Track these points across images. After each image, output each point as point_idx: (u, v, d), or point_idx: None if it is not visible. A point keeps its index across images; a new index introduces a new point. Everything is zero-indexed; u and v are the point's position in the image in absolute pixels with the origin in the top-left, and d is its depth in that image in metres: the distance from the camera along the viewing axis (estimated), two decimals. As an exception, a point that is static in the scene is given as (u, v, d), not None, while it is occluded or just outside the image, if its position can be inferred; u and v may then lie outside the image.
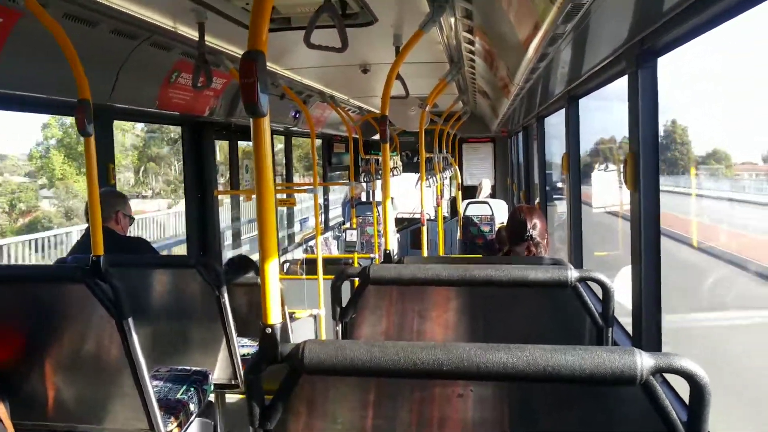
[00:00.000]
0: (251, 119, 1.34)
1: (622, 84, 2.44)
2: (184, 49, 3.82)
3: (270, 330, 1.35)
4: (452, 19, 3.38)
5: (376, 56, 4.49)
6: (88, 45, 3.00)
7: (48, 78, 3.03)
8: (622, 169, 2.36)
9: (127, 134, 22.66)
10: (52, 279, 2.49)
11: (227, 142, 6.37)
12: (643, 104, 2.23)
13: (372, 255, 6.49)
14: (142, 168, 24.68)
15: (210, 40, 3.65)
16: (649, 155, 2.22)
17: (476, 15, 3.20)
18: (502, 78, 4.46)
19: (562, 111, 3.85)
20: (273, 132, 7.06)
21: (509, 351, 1.18)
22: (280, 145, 8.33)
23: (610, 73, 2.73)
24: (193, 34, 3.46)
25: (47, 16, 2.29)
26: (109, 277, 2.37)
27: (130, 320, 2.35)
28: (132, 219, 3.73)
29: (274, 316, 1.36)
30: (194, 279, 3.05)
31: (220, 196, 5.89)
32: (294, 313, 4.65)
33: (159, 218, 17.01)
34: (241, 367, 3.23)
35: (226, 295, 3.07)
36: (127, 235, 3.73)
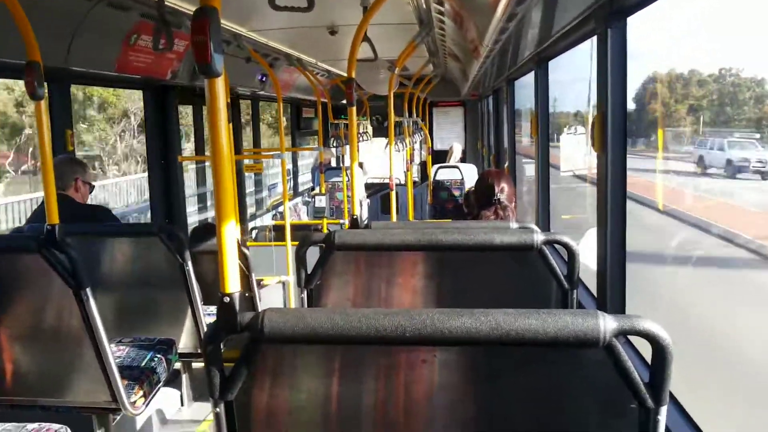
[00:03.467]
0: (205, 80, 1.27)
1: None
2: (144, 10, 3.68)
3: (228, 299, 1.32)
4: None
5: (345, 17, 4.39)
6: (40, 5, 2.86)
7: None
8: (590, 131, 2.35)
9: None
10: (5, 250, 2.41)
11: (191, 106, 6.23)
12: (613, 65, 2.20)
13: (341, 221, 6.46)
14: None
15: (171, 1, 3.52)
16: (618, 117, 2.20)
17: (445, -26, 3.13)
18: (472, 40, 4.40)
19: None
20: (239, 96, 6.92)
21: (472, 316, 1.17)
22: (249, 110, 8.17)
23: (579, 33, 2.70)
24: None
25: None
26: (65, 246, 2.30)
27: (89, 290, 2.29)
28: (92, 186, 3.62)
29: (232, 284, 1.33)
30: (157, 247, 2.99)
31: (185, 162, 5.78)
32: (262, 280, 4.61)
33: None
34: None
35: (190, 263, 3.01)
36: (88, 203, 3.63)
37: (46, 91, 2.37)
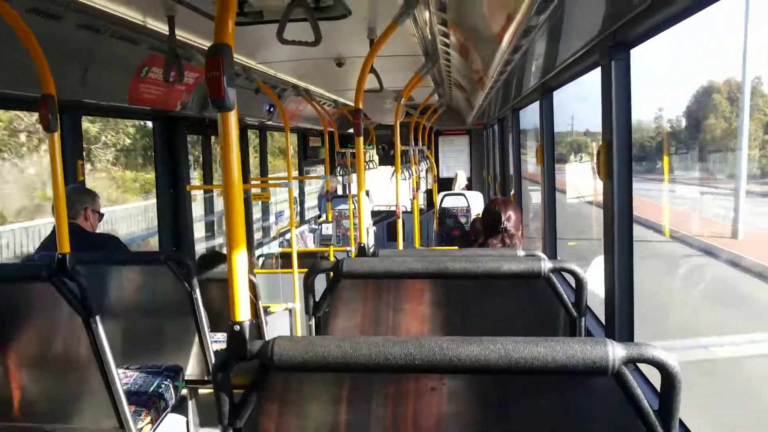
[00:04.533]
0: (218, 113, 1.31)
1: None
2: (154, 43, 3.76)
3: (239, 327, 1.33)
4: (426, 12, 3.36)
5: (351, 49, 4.46)
6: (54, 40, 2.93)
7: (11, 73, 2.96)
8: (595, 160, 2.37)
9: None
10: (17, 278, 2.43)
11: (200, 136, 6.30)
12: (617, 95, 2.24)
13: (348, 248, 6.47)
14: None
15: (180, 34, 3.59)
16: (623, 146, 2.23)
17: (450, 7, 3.19)
18: (477, 71, 4.46)
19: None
20: (248, 126, 6.99)
21: (481, 344, 1.18)
22: (257, 140, 8.24)
23: (583, 65, 2.74)
24: (162, 27, 3.40)
25: (10, 11, 2.23)
26: (75, 274, 2.33)
27: (98, 318, 2.31)
28: (101, 215, 3.66)
29: (242, 312, 1.34)
30: (166, 275, 3.01)
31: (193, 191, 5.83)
32: (269, 307, 4.62)
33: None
34: (213, 362, 3.20)
35: (198, 291, 3.03)
36: (97, 231, 3.66)
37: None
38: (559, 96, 3.72)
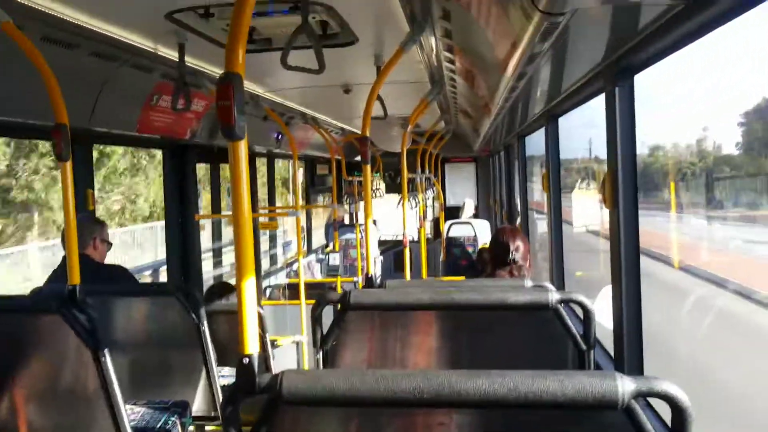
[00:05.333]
0: (228, 142, 1.31)
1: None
2: (165, 70, 3.79)
3: (247, 360, 1.32)
4: (432, 39, 3.39)
5: (358, 76, 4.49)
6: (66, 68, 2.96)
7: (24, 102, 2.99)
8: (600, 188, 2.36)
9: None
10: (26, 310, 2.43)
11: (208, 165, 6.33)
12: (621, 122, 2.24)
13: (355, 278, 6.44)
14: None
15: (191, 61, 3.63)
16: (628, 173, 2.22)
17: (455, 34, 3.22)
18: (482, 97, 4.48)
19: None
20: (256, 154, 7.03)
21: (489, 377, 1.16)
22: (264, 168, 8.29)
23: (588, 91, 2.75)
24: (173, 55, 3.44)
25: (24, 39, 2.25)
26: (85, 306, 2.32)
27: (107, 351, 2.30)
28: (110, 244, 3.67)
29: (251, 345, 1.33)
30: (173, 307, 3.00)
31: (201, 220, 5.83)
32: (276, 340, 4.58)
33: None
34: (220, 398, 3.16)
35: (206, 323, 3.02)
36: (105, 262, 3.67)
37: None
38: (567, 122, 3.72)
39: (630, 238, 2.21)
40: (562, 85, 3.06)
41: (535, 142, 5.40)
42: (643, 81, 2.25)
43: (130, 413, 2.78)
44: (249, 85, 4.61)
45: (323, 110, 6.55)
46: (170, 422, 2.80)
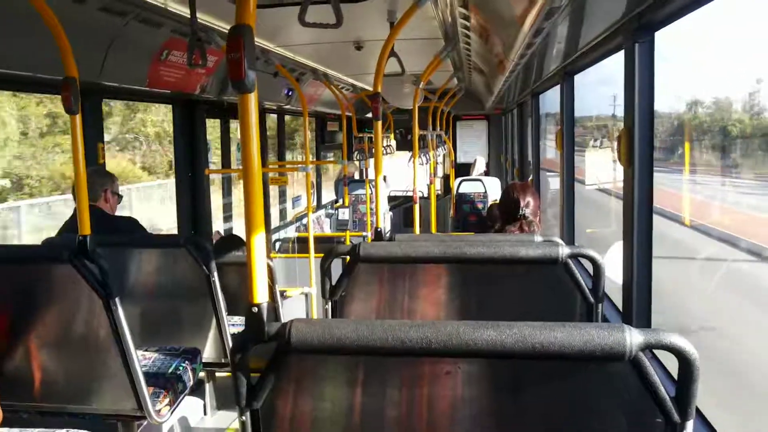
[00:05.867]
0: (238, 96, 1.30)
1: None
2: (175, 26, 3.76)
3: (256, 309, 1.34)
4: None
5: (370, 33, 4.43)
6: (76, 22, 2.94)
7: (33, 56, 2.98)
8: (616, 146, 2.34)
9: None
10: (38, 259, 2.46)
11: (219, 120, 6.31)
12: (640, 79, 2.20)
13: (364, 233, 6.48)
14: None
15: (201, 17, 3.58)
16: (644, 131, 2.19)
17: (471, -12, 3.15)
18: (497, 54, 4.41)
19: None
20: (266, 110, 7.00)
21: (498, 328, 1.17)
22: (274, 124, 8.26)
23: (606, 48, 2.70)
24: (183, 10, 3.39)
25: None
26: (96, 256, 2.35)
27: (117, 300, 2.33)
28: (120, 197, 3.69)
29: (260, 294, 1.35)
30: (184, 258, 3.03)
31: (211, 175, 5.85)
32: (285, 291, 4.64)
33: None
34: (230, 345, 3.22)
35: (215, 274, 3.05)
36: (116, 213, 3.70)
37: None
38: (579, 78, 3.66)
39: (643, 194, 2.19)
40: (580, 41, 3.00)
41: (549, 100, 5.33)
42: (683, 30, 2.16)
43: (142, 359, 2.84)
44: (260, 40, 4.56)
45: (334, 66, 6.48)
46: (181, 368, 2.86)
